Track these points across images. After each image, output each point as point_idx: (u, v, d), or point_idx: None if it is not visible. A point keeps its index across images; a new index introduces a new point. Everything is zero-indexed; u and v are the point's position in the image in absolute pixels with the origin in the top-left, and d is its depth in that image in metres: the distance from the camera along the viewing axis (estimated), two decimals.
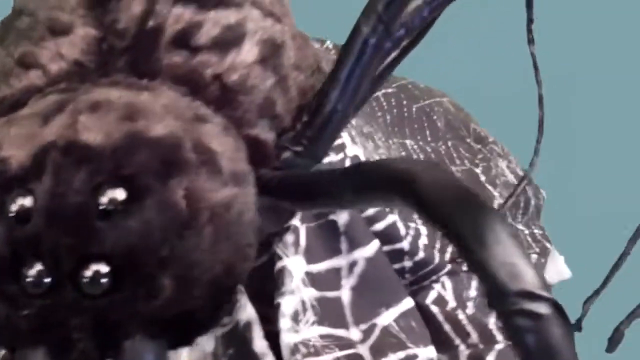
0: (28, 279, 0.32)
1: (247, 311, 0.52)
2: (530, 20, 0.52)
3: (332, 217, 0.56)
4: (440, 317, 0.59)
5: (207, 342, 0.54)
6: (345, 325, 0.54)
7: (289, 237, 0.54)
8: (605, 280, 0.55)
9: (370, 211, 0.59)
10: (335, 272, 0.55)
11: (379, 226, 0.60)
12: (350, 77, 0.38)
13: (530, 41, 0.53)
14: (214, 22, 0.39)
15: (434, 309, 0.59)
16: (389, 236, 0.60)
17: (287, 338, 0.51)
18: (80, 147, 0.32)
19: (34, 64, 0.38)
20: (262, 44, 0.40)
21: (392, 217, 0.60)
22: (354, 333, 0.54)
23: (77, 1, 0.39)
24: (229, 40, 0.39)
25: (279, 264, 0.54)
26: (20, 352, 0.33)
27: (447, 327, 0.59)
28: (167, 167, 0.32)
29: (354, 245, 0.55)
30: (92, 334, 0.32)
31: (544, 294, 0.24)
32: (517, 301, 0.24)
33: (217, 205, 0.34)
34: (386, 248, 0.60)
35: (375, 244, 0.56)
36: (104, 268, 0.32)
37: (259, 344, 0.51)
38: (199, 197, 0.33)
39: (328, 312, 0.54)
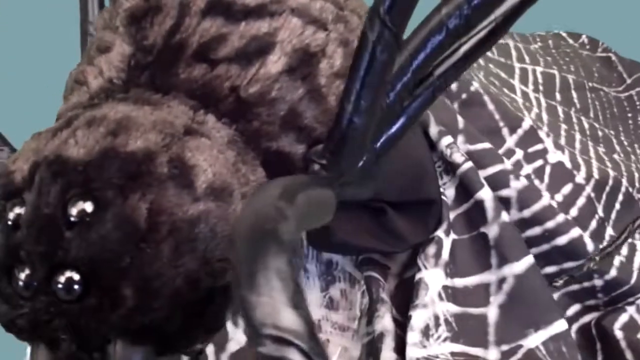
0: (19, 282, 0.35)
1: (383, 322, 0.52)
2: None
3: (482, 229, 0.53)
4: (623, 344, 0.53)
5: (354, 349, 0.54)
6: (484, 344, 0.51)
7: (431, 249, 0.52)
8: None
9: (551, 224, 0.55)
10: (484, 288, 0.52)
11: (561, 240, 0.55)
12: (363, 88, 0.36)
13: None
14: (242, 33, 0.39)
15: (619, 334, 0.53)
16: (572, 252, 0.55)
17: (412, 352, 0.50)
18: (61, 161, 0.34)
19: (83, 81, 0.41)
20: (293, 53, 0.39)
21: (577, 231, 0.55)
22: (492, 353, 0.51)
23: (120, 19, 0.41)
24: (254, 51, 0.39)
25: (418, 276, 0.52)
26: (30, 346, 0.37)
27: (628, 356, 0.53)
28: (130, 182, 0.34)
29: (504, 261, 0.52)
30: (72, 336, 0.35)
31: (293, 339, 0.22)
32: (266, 343, 0.22)
33: (180, 219, 0.34)
34: (569, 264, 0.55)
35: (527, 260, 0.52)
36: (75, 276, 0.34)
37: (387, 355, 0.50)
38: (160, 211, 0.34)
39: (467, 329, 0.51)
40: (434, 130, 0.54)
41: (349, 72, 0.36)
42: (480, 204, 0.53)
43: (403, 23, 0.35)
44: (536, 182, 0.59)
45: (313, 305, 0.56)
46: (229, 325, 0.56)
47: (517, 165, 0.59)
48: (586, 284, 0.56)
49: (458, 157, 0.53)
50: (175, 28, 0.39)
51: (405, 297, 0.53)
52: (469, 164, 0.53)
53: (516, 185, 0.55)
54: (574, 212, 0.58)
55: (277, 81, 0.39)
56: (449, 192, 0.54)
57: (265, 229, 0.24)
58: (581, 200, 0.59)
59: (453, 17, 0.38)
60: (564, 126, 0.65)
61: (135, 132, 0.35)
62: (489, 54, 0.67)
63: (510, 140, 0.60)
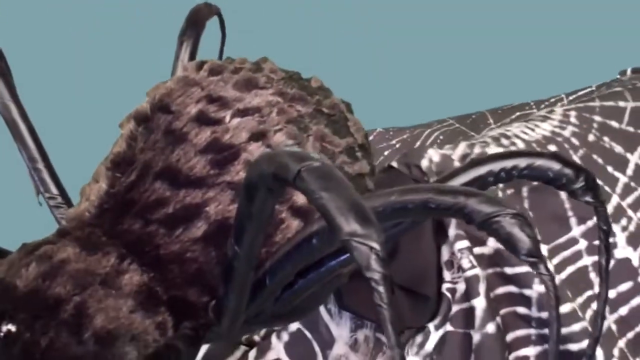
0: None
1: None
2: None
3: (471, 331, 0.57)
4: None
5: None
6: None
7: (418, 338, 0.59)
8: None
9: (564, 330, 0.57)
10: None
11: (572, 347, 0.58)
12: (227, 286, 0.42)
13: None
14: (178, 200, 0.46)
15: None
16: None
17: None
18: (6, 287, 0.43)
19: (80, 196, 0.49)
20: (213, 224, 0.45)
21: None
22: None
23: (108, 158, 0.48)
24: (182, 218, 0.45)
25: None
26: None
27: None
28: (36, 321, 0.42)
29: None
30: None
31: None
32: None
33: (65, 357, 0.42)
34: None
35: None
36: None
37: None
38: (53, 348, 0.42)
39: None
40: (452, 232, 0.58)
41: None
42: (472, 310, 0.57)
43: (250, 248, 0.42)
44: (592, 275, 0.60)
45: (341, 340, 0.64)
46: None
47: (576, 256, 0.61)
48: None
49: (466, 263, 0.57)
50: (134, 184, 0.47)
51: None
52: (474, 272, 0.57)
53: (538, 288, 0.58)
54: (623, 311, 0.59)
55: (193, 245, 0.46)
56: (460, 287, 0.59)
57: None
58: (636, 301, 0.60)
59: (318, 236, 0.43)
60: None
61: (60, 278, 0.45)
62: (614, 123, 0.65)
63: (576, 230, 0.61)
